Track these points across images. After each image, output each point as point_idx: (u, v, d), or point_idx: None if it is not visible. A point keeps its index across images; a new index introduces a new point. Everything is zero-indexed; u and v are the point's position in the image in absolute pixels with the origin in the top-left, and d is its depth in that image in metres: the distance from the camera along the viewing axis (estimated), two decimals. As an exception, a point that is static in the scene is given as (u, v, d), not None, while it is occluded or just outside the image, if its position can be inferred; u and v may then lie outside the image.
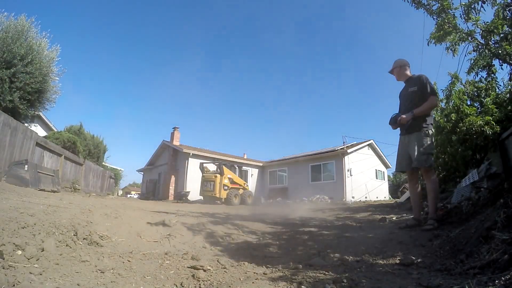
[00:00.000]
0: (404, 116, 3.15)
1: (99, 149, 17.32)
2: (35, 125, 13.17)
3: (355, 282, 1.36)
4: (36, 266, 1.39)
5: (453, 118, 5.15)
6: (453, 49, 4.22)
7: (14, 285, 1.09)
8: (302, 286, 1.35)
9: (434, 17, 3.98)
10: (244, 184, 13.25)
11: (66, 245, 1.84)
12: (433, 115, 5.60)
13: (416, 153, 3.07)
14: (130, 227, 2.97)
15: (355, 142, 17.73)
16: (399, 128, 3.40)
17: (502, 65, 4.10)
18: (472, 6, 3.64)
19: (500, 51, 3.77)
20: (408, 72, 3.42)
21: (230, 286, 1.41)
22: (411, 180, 3.36)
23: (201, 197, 12.51)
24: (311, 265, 1.88)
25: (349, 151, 16.02)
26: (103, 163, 19.08)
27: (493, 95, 4.99)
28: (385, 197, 17.93)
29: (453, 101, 5.31)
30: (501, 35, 3.75)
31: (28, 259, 1.44)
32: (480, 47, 4.02)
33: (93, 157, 16.37)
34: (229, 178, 12.15)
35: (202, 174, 12.47)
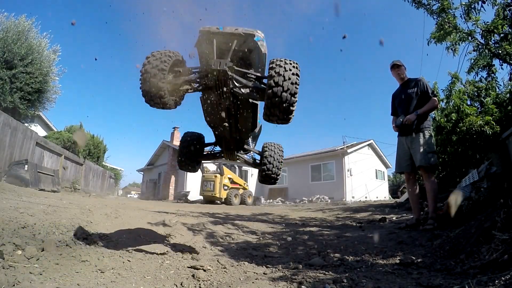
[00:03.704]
0: (409, 116, 3.17)
1: (99, 149, 17.32)
2: (35, 125, 13.17)
3: (355, 282, 1.36)
4: (36, 266, 1.39)
5: (453, 118, 5.14)
6: (453, 48, 4.22)
7: (14, 285, 1.09)
8: (302, 286, 1.35)
9: (434, 17, 3.98)
10: (244, 184, 13.25)
11: (66, 245, 1.84)
12: (433, 115, 5.62)
13: (421, 152, 3.08)
14: (130, 227, 2.97)
15: (355, 142, 17.73)
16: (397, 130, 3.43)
17: (502, 65, 4.11)
18: (472, 6, 3.65)
19: (500, 51, 3.78)
20: (406, 74, 3.47)
21: (230, 286, 1.41)
22: (409, 180, 3.38)
23: (201, 197, 12.51)
24: (311, 265, 1.88)
25: (349, 151, 16.01)
26: (103, 163, 19.06)
27: (493, 95, 4.98)
28: (385, 197, 17.92)
29: (453, 101, 5.30)
30: (501, 35, 3.75)
31: (28, 259, 1.44)
32: (480, 47, 4.02)
33: (93, 157, 16.37)
34: (229, 178, 12.15)
35: (202, 174, 12.47)
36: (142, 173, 24.47)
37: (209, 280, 1.49)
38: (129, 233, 2.79)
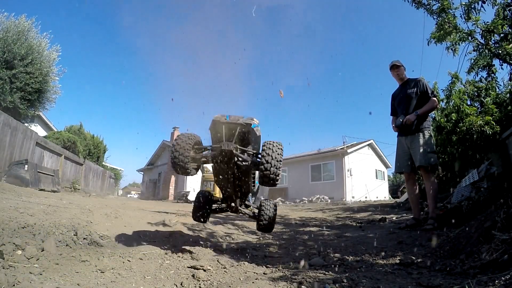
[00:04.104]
0: (409, 117, 3.17)
1: (99, 149, 17.32)
2: (35, 125, 13.17)
3: (355, 282, 1.36)
4: (36, 266, 1.39)
5: (453, 118, 5.14)
6: (453, 49, 4.21)
7: (14, 285, 1.09)
8: (302, 286, 1.35)
9: (434, 17, 3.97)
10: (244, 184, 13.22)
11: (66, 245, 1.84)
12: (433, 115, 5.62)
13: (421, 152, 3.08)
14: (130, 227, 2.97)
15: (355, 142, 17.72)
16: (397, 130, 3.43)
17: (502, 65, 4.10)
18: (472, 6, 3.64)
19: (500, 51, 3.77)
20: (405, 74, 3.46)
21: (230, 286, 1.41)
22: (409, 180, 3.37)
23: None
24: (311, 265, 1.88)
25: (349, 151, 16.01)
26: (103, 163, 19.06)
27: (493, 95, 4.98)
28: (385, 197, 17.92)
29: (453, 101, 5.30)
30: (501, 35, 3.75)
31: (28, 259, 1.44)
32: (480, 47, 4.02)
33: (93, 157, 16.36)
34: (229, 178, 12.12)
35: (202, 174, 12.46)
36: (142, 173, 24.48)
37: (209, 280, 1.49)
38: (129, 233, 2.79)
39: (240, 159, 1.83)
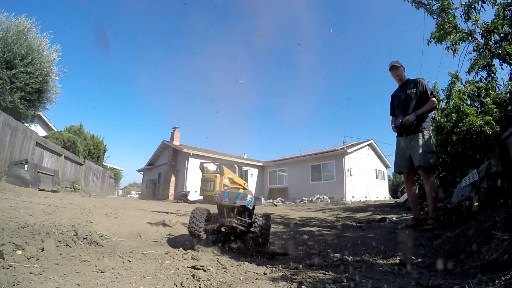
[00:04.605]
0: (408, 117, 3.17)
1: (99, 149, 17.32)
2: (35, 125, 13.17)
3: (355, 282, 1.36)
4: (36, 266, 1.39)
5: (453, 118, 5.14)
6: (453, 49, 4.21)
7: (14, 285, 1.09)
8: (302, 286, 1.35)
9: (434, 17, 3.97)
10: (244, 184, 13.20)
11: (66, 245, 1.84)
12: (433, 115, 5.61)
13: (420, 153, 3.08)
14: (130, 227, 2.97)
15: (355, 142, 17.72)
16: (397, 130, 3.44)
17: (502, 65, 4.10)
18: (472, 6, 3.64)
19: (500, 51, 3.77)
20: (405, 75, 3.46)
21: (230, 286, 1.41)
22: (408, 181, 3.37)
23: (201, 197, 12.50)
24: (311, 265, 1.88)
25: (349, 151, 16.01)
26: (103, 163, 19.06)
27: (493, 95, 4.98)
28: (385, 197, 17.93)
29: (453, 101, 5.30)
30: (501, 35, 3.74)
31: (28, 259, 1.44)
32: (480, 47, 4.01)
33: (93, 157, 16.36)
34: (229, 178, 12.10)
35: (202, 174, 12.46)
36: (142, 173, 24.46)
37: (209, 280, 1.49)
38: (129, 233, 2.79)
39: (239, 227, 2.37)
